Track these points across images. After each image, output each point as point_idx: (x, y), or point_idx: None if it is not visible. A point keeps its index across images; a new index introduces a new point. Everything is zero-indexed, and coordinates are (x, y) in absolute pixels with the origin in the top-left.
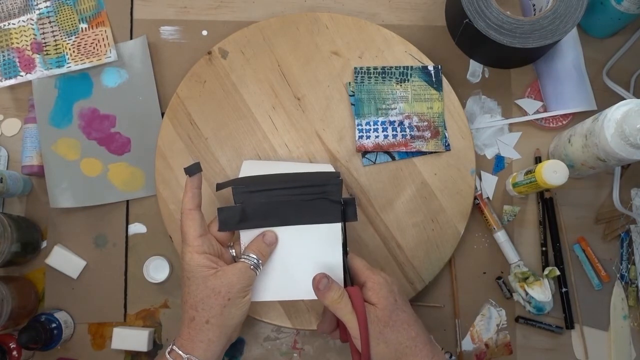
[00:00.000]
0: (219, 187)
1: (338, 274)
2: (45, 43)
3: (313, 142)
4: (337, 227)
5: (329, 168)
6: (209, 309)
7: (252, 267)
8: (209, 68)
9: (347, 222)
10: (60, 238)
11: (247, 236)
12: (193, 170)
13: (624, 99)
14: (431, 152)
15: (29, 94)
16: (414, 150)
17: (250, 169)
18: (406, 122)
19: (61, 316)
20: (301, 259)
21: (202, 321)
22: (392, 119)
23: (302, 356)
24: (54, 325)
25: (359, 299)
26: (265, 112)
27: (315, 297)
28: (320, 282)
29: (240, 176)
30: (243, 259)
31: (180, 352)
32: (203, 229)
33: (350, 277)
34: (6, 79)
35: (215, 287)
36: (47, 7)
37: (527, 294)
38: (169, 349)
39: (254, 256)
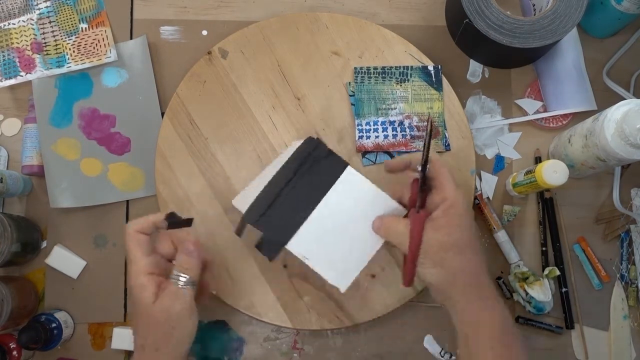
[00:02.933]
0: (239, 233)
1: (389, 204)
2: (45, 43)
3: None
4: (350, 172)
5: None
6: (155, 338)
7: (181, 285)
8: (209, 68)
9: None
10: (60, 238)
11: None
12: (177, 222)
13: (624, 99)
14: None
15: (29, 94)
16: (414, 150)
17: (244, 201)
18: (406, 122)
19: (61, 316)
20: (351, 224)
21: (152, 349)
22: (392, 119)
23: (302, 356)
24: (54, 325)
25: (419, 225)
26: (265, 112)
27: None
28: (373, 226)
29: (243, 212)
30: (172, 280)
31: None
32: (149, 249)
33: (420, 194)
34: (6, 79)
35: (156, 316)
36: (47, 7)
37: (527, 294)
38: None
39: (181, 274)
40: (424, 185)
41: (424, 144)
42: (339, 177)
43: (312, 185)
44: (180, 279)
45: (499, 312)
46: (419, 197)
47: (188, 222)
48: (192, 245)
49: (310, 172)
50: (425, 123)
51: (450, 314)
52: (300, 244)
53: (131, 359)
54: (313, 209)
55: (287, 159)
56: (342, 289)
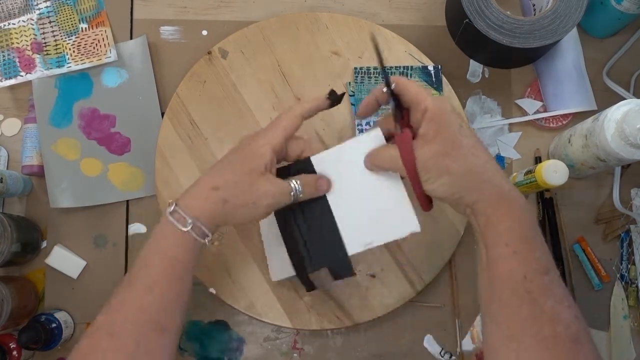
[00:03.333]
0: (312, 287)
1: (371, 137)
2: (45, 43)
3: (313, 142)
4: (315, 156)
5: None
6: (232, 195)
7: (292, 192)
8: (209, 68)
9: None
10: (60, 238)
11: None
12: (334, 97)
13: (624, 99)
14: None
15: (29, 94)
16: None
17: (281, 268)
18: None
19: (61, 316)
20: (365, 185)
21: (221, 197)
22: None
23: (302, 356)
24: (54, 325)
25: (406, 140)
26: (265, 112)
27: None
28: (366, 166)
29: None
30: (291, 182)
31: (184, 214)
32: (292, 134)
33: (401, 105)
34: (6, 79)
35: (253, 184)
36: (47, 7)
37: None
38: (171, 209)
39: (300, 185)
40: (399, 107)
41: (379, 64)
42: (314, 168)
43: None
44: (297, 187)
45: (517, 207)
46: (396, 118)
47: (343, 95)
48: (326, 187)
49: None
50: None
51: (472, 224)
52: (354, 242)
53: (188, 192)
54: (330, 209)
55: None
56: (418, 229)
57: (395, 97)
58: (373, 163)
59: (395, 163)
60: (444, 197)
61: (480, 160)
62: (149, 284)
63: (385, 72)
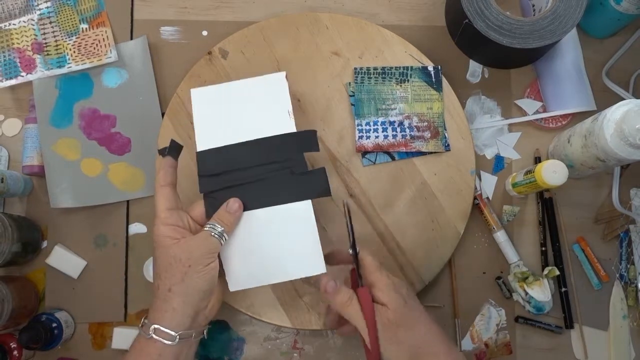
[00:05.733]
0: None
1: (316, 251)
2: (45, 43)
3: None
4: (308, 204)
5: (279, 77)
6: (170, 277)
7: (213, 234)
8: (209, 68)
9: (320, 197)
10: (60, 238)
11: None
12: (170, 152)
13: (624, 99)
14: (431, 153)
15: (30, 94)
16: (414, 150)
17: (201, 98)
18: (406, 123)
19: (62, 316)
20: (277, 240)
21: (165, 289)
22: (392, 119)
23: (302, 356)
24: (54, 325)
25: (367, 301)
26: None
27: (297, 277)
28: (328, 284)
29: (193, 108)
30: (206, 228)
31: (147, 322)
32: (173, 204)
33: (359, 275)
34: (7, 79)
35: (176, 255)
36: (47, 7)
37: (526, 293)
38: (141, 323)
39: (217, 225)
40: (359, 270)
41: (347, 226)
42: (299, 201)
43: (270, 188)
44: (216, 228)
45: None
46: (359, 275)
47: (177, 146)
48: (237, 205)
49: (279, 175)
50: (426, 123)
51: None
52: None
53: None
54: (257, 207)
55: (257, 84)
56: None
57: (356, 253)
58: (339, 309)
59: (358, 322)
60: None
61: (422, 334)
62: None
63: (353, 240)
